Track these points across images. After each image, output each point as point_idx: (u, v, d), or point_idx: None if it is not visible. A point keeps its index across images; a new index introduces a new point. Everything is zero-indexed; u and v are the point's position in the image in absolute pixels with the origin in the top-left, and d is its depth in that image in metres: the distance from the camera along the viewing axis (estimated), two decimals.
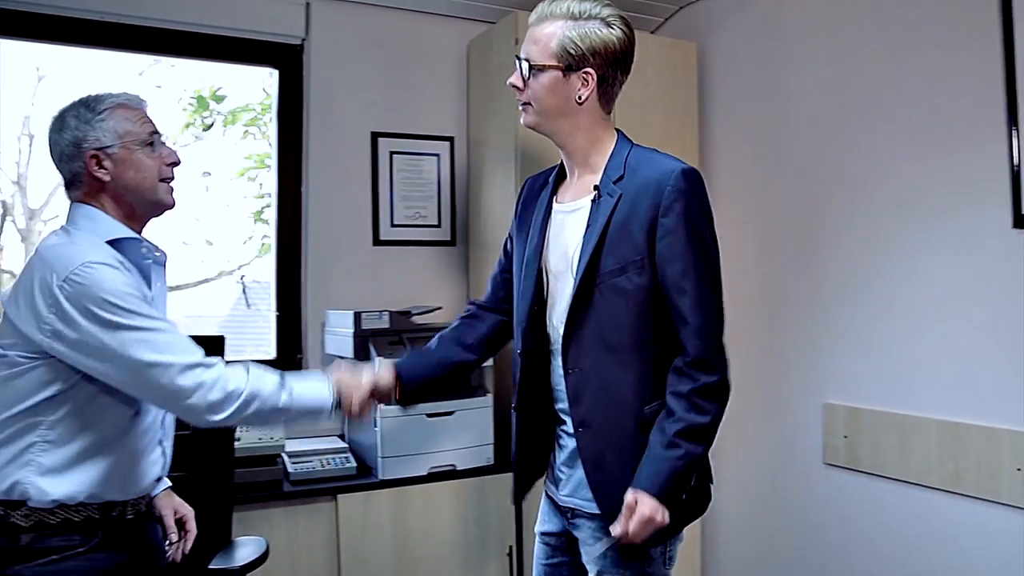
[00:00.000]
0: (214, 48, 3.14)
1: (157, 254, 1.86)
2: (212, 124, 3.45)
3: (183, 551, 1.98)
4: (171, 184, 1.83)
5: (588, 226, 1.80)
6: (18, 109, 3.11)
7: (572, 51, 1.77)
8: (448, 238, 3.48)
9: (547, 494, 2.04)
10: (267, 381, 1.74)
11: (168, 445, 1.91)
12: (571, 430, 1.87)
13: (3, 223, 3.12)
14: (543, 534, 2.05)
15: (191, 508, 2.03)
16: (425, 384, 2.08)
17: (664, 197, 1.73)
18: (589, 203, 1.83)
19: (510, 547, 2.97)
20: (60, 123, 1.75)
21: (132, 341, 1.60)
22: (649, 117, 3.23)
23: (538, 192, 2.01)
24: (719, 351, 1.77)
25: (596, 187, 1.81)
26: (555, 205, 1.93)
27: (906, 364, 2.62)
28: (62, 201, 3.18)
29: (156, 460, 1.85)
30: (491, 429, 2.99)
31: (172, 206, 1.84)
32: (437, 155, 3.46)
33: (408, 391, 2.05)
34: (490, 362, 2.97)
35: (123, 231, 1.75)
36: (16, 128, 3.12)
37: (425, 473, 2.88)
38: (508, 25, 3.10)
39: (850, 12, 2.79)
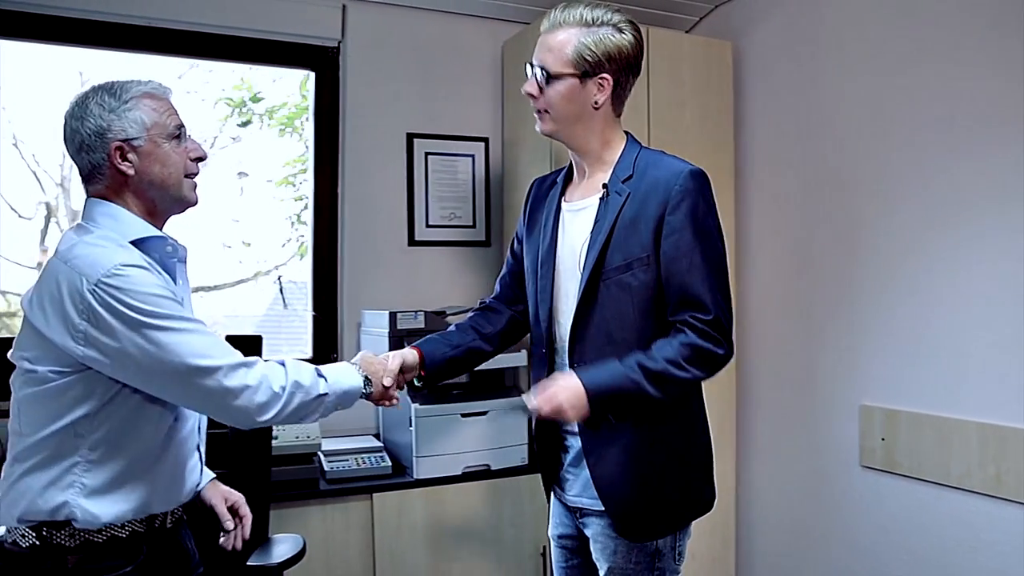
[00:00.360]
0: (251, 51, 3.19)
1: (180, 248, 1.78)
2: (249, 121, 3.48)
3: (243, 537, 1.93)
4: (195, 180, 1.74)
5: (596, 223, 1.84)
6: (61, 112, 3.15)
7: (588, 58, 1.80)
8: (483, 238, 3.49)
9: (556, 497, 2.06)
10: (304, 372, 1.71)
11: (203, 449, 1.86)
12: (575, 430, 1.90)
13: (47, 225, 3.18)
14: (559, 537, 2.08)
15: (240, 493, 1.98)
16: (446, 365, 2.10)
17: (672, 196, 1.77)
18: (597, 201, 1.86)
19: (543, 547, 2.97)
20: (82, 110, 1.65)
21: (173, 345, 1.53)
22: (683, 117, 3.22)
23: (546, 193, 2.04)
24: (728, 328, 1.78)
25: (604, 186, 1.85)
26: (564, 204, 1.97)
27: (945, 366, 2.58)
28: None
29: (195, 466, 1.80)
30: (525, 429, 2.99)
31: (195, 203, 1.76)
32: (472, 156, 3.47)
33: (431, 370, 2.06)
34: (523, 361, 2.99)
35: (148, 230, 1.66)
36: (60, 131, 3.17)
37: (459, 473, 2.89)
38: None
39: (889, 11, 2.75)
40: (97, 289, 1.50)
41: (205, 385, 1.56)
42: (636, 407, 1.79)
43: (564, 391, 1.74)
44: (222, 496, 1.93)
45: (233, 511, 1.92)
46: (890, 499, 2.76)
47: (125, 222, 1.64)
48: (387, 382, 1.89)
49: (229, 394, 1.58)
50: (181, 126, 1.72)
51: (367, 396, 1.88)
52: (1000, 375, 2.42)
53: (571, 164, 2.00)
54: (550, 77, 1.82)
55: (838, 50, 2.95)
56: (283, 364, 1.70)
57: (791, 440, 3.16)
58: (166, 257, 1.69)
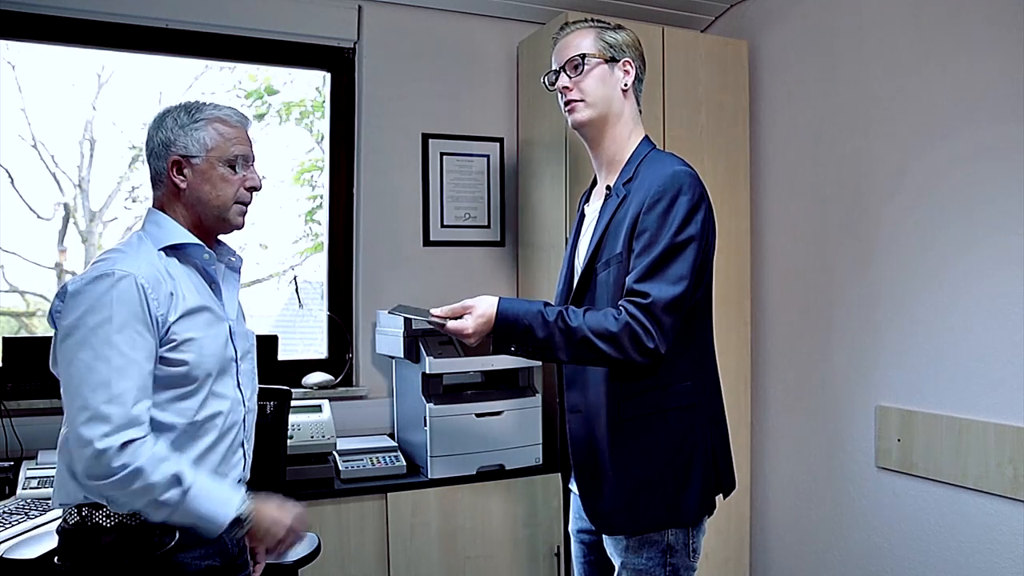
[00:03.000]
0: (268, 52, 3.20)
1: (232, 259, 1.90)
2: (265, 114, 3.50)
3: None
4: (245, 207, 1.82)
5: (596, 223, 1.97)
6: (80, 113, 3.19)
7: (612, 43, 1.97)
8: (497, 238, 3.50)
9: (573, 492, 2.09)
10: (169, 470, 1.59)
11: (249, 448, 1.88)
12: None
13: (66, 225, 3.21)
14: (577, 532, 2.13)
15: (276, 529, 1.79)
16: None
17: (649, 196, 1.84)
18: (602, 202, 1.99)
19: (558, 547, 2.97)
20: (159, 122, 1.76)
21: (78, 347, 1.57)
22: (699, 117, 3.22)
23: (582, 203, 2.18)
24: (661, 320, 1.78)
25: (608, 187, 1.97)
26: (586, 208, 2.11)
27: (962, 366, 2.57)
28: (122, 204, 3.28)
29: (237, 462, 1.83)
30: (539, 429, 2.99)
31: (239, 228, 1.84)
32: (487, 156, 3.48)
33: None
34: (538, 363, 2.98)
35: (185, 237, 1.75)
36: (78, 132, 3.20)
37: (474, 472, 2.90)
38: (557, 26, 3.09)
39: (906, 10, 2.74)
40: (81, 282, 1.61)
41: (69, 411, 1.58)
42: (541, 352, 1.85)
43: (476, 311, 1.83)
44: (252, 533, 1.77)
45: (253, 553, 1.89)
46: (906, 500, 2.75)
47: (167, 229, 1.75)
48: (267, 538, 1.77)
49: (79, 438, 1.55)
50: (244, 157, 1.79)
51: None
52: (1018, 376, 2.41)
53: (594, 174, 2.11)
54: (582, 63, 1.94)
55: (854, 48, 2.93)
56: (166, 459, 1.60)
57: (807, 441, 3.15)
58: (204, 263, 1.79)
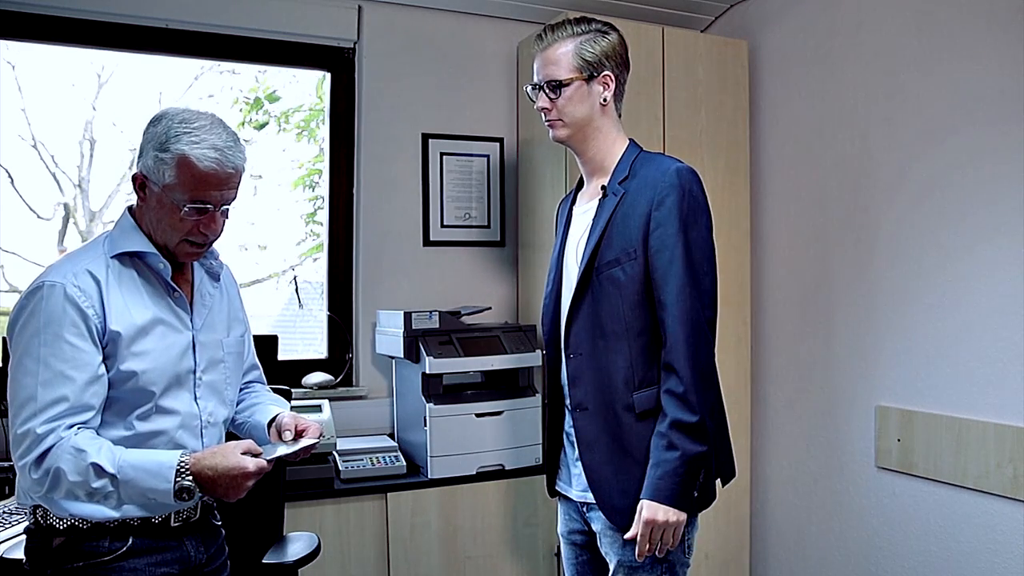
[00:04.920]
0: (268, 52, 3.20)
1: (213, 263, 1.84)
2: (266, 123, 3.50)
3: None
4: (198, 247, 1.72)
5: (593, 222, 1.97)
6: (80, 113, 3.19)
7: (590, 59, 1.95)
8: (497, 238, 3.50)
9: (563, 494, 2.11)
10: (87, 460, 1.55)
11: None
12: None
13: (66, 225, 3.21)
14: (568, 533, 2.12)
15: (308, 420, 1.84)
16: None
17: (658, 193, 1.87)
18: (597, 202, 1.99)
19: (557, 547, 2.97)
20: (148, 127, 1.67)
21: (15, 366, 1.58)
22: (699, 116, 3.22)
23: (566, 206, 2.18)
24: (693, 343, 1.84)
25: (603, 187, 1.98)
26: (574, 210, 2.12)
27: (962, 366, 2.57)
28: (122, 204, 3.28)
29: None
30: (539, 429, 2.99)
31: (192, 260, 1.77)
32: (487, 156, 3.48)
33: None
34: (538, 361, 2.99)
35: (140, 245, 1.68)
36: (78, 132, 3.21)
37: (474, 472, 2.90)
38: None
39: (905, 10, 2.74)
40: (27, 293, 1.61)
41: (10, 420, 1.58)
42: (699, 467, 1.83)
43: (644, 511, 1.81)
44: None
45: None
46: (906, 500, 2.75)
47: (125, 235, 1.70)
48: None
49: (14, 446, 1.57)
50: (204, 203, 1.65)
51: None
52: (1018, 376, 2.41)
53: (581, 175, 2.12)
54: (560, 85, 1.95)
55: (854, 48, 2.93)
56: (80, 448, 1.55)
57: (807, 441, 3.15)
58: (162, 273, 1.70)
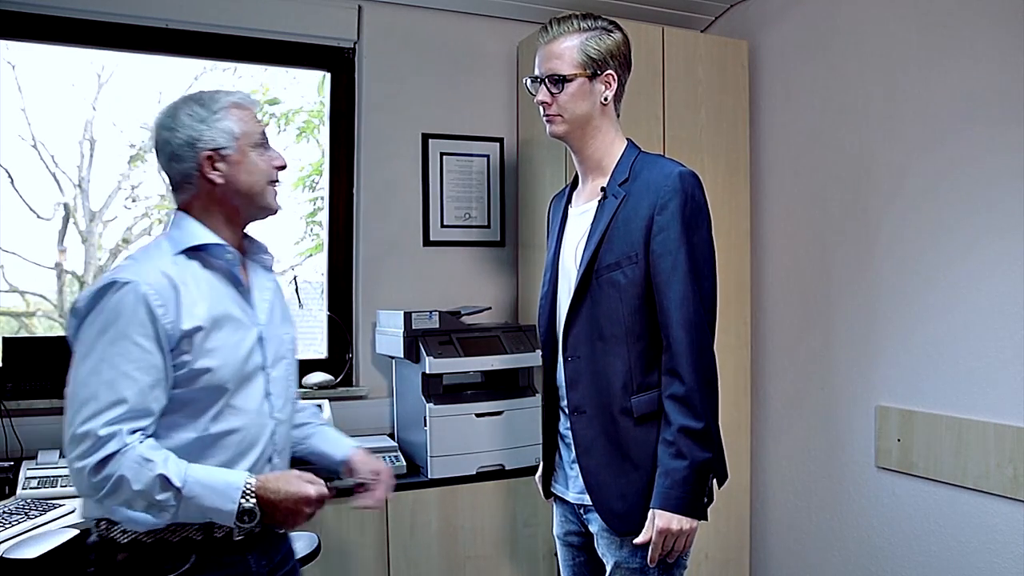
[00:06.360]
0: (268, 52, 3.20)
1: (265, 256, 1.83)
2: (266, 124, 3.50)
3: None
4: (276, 188, 1.76)
5: (592, 224, 1.94)
6: (80, 113, 3.19)
7: (595, 56, 1.92)
8: (497, 238, 3.50)
9: (558, 496, 2.11)
10: (153, 472, 1.50)
11: (280, 462, 1.78)
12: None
13: (65, 225, 3.21)
14: (564, 535, 2.12)
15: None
16: None
17: (661, 196, 1.86)
18: (596, 204, 1.96)
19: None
20: (172, 121, 1.66)
21: (78, 363, 1.53)
22: (699, 116, 3.22)
23: (558, 206, 2.16)
24: (697, 348, 1.84)
25: (603, 189, 1.95)
26: (570, 210, 2.08)
27: (962, 366, 2.57)
28: (122, 204, 3.28)
29: None
30: (540, 429, 2.98)
31: (276, 211, 1.77)
32: (487, 156, 3.48)
33: None
34: (538, 361, 2.98)
35: (206, 238, 1.66)
36: (78, 132, 3.21)
37: (474, 472, 2.90)
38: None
39: (906, 8, 2.74)
40: (94, 292, 1.56)
41: (66, 417, 1.53)
42: (706, 473, 1.84)
43: (658, 520, 1.80)
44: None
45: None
46: (906, 500, 2.75)
47: (187, 231, 1.66)
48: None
49: (68, 447, 1.51)
50: (264, 135, 1.74)
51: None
52: (1018, 376, 2.41)
53: (576, 174, 2.10)
54: (563, 80, 1.91)
55: (854, 48, 2.93)
56: (146, 459, 1.51)
57: (806, 441, 3.15)
58: (230, 265, 1.69)
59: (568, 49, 1.92)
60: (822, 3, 3.08)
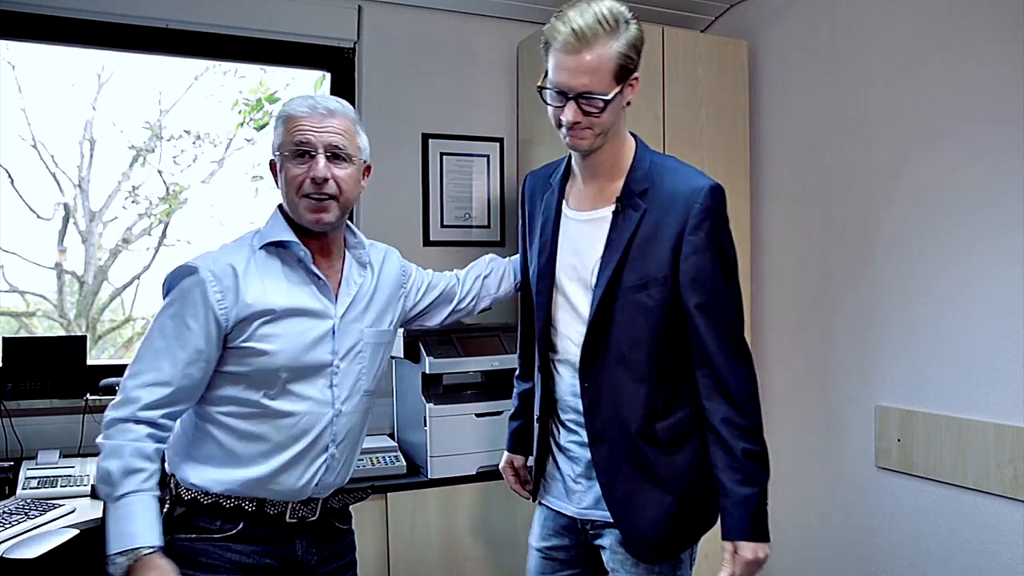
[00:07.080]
0: (267, 52, 3.19)
1: (360, 252, 1.92)
2: (266, 124, 3.50)
3: None
4: (313, 200, 1.74)
5: (610, 239, 1.78)
6: (80, 113, 3.19)
7: (630, 65, 1.72)
8: (497, 239, 3.50)
9: (550, 508, 2.00)
10: (113, 465, 1.61)
11: (340, 452, 1.83)
12: (584, 440, 1.86)
13: (66, 225, 3.21)
14: (548, 549, 1.99)
15: None
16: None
17: (692, 215, 1.73)
18: (610, 214, 1.80)
19: None
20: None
21: (151, 330, 1.71)
22: (699, 117, 3.21)
23: (542, 192, 1.97)
24: (745, 371, 1.80)
25: (618, 199, 1.79)
26: (567, 211, 1.90)
27: (962, 366, 2.57)
28: (122, 204, 3.28)
29: (320, 467, 1.79)
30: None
31: (315, 225, 1.77)
32: (487, 156, 3.48)
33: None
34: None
35: (283, 235, 1.78)
36: (78, 132, 3.21)
37: (474, 472, 2.89)
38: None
39: (906, 9, 2.74)
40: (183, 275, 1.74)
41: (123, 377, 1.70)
42: (766, 493, 1.78)
43: (744, 551, 1.73)
44: None
45: None
46: (906, 501, 2.75)
47: (273, 226, 1.81)
48: None
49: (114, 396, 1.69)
50: (305, 144, 1.74)
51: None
52: (1018, 376, 2.41)
53: (567, 165, 1.93)
54: (604, 104, 1.69)
55: (854, 48, 2.93)
56: (143, 452, 1.64)
57: (806, 441, 3.15)
58: (304, 259, 1.78)
59: (604, 61, 1.67)
60: (822, 3, 3.07)
